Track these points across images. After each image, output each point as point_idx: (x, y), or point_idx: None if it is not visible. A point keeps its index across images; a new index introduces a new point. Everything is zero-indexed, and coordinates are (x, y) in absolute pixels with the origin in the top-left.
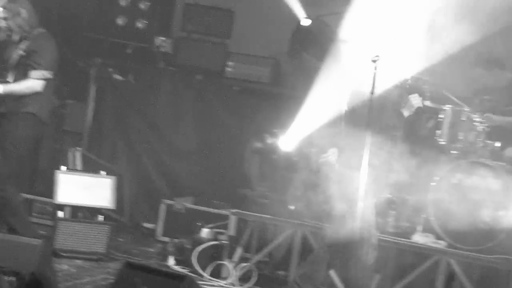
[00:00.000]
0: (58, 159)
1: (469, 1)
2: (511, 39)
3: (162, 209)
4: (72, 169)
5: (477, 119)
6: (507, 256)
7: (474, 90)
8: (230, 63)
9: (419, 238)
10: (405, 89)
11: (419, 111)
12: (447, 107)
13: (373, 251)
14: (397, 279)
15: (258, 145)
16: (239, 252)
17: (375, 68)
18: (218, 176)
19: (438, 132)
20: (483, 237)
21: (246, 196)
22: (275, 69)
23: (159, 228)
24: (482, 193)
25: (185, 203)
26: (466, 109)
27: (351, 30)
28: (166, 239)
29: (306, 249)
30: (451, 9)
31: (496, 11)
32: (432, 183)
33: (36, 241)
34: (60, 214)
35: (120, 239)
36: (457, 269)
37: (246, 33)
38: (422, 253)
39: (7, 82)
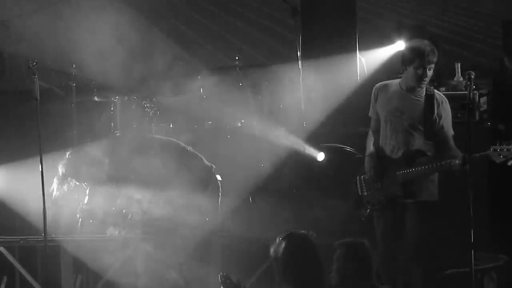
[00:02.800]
0: None
1: None
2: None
3: None
4: None
5: (147, 105)
6: None
7: (138, 79)
8: None
9: (112, 231)
10: None
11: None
12: (116, 98)
13: None
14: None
15: None
16: None
17: None
18: None
19: (112, 124)
20: None
21: None
22: None
23: None
24: None
25: None
26: (135, 97)
27: None
28: None
29: None
30: None
31: None
32: None
33: None
34: None
35: None
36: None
37: None
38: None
39: None
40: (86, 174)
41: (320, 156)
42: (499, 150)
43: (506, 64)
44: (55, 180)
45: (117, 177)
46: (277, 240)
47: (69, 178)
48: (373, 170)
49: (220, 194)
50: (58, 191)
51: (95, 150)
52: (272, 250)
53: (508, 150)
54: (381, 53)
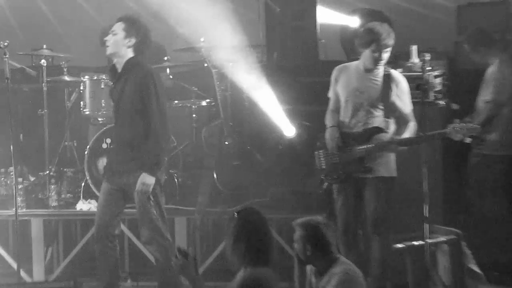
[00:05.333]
0: None
1: None
2: None
3: None
4: None
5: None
6: (167, 206)
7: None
8: None
9: (83, 206)
10: None
11: None
12: (85, 78)
13: None
14: (70, 249)
15: None
16: None
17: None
18: None
19: (81, 103)
20: None
21: None
22: None
23: None
24: None
25: None
26: (104, 77)
27: None
28: None
29: None
30: None
31: None
32: (85, 152)
33: None
34: None
35: None
36: (123, 227)
37: None
38: (88, 219)
39: None
40: None
41: (290, 132)
42: (458, 128)
43: (466, 49)
44: None
45: None
46: (231, 215)
47: None
48: (334, 141)
49: None
50: None
51: None
52: (227, 224)
53: (466, 128)
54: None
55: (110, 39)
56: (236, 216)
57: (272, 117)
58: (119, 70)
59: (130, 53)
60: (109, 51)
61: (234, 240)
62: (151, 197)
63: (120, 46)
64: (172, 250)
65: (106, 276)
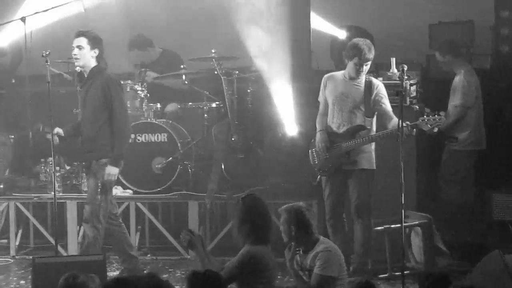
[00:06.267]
0: None
1: None
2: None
3: None
4: None
5: (139, 88)
6: (182, 192)
7: (134, 66)
8: None
9: None
10: None
11: None
12: None
13: None
14: None
15: None
16: None
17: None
18: None
19: None
20: (159, 180)
21: None
22: None
23: None
24: (152, 146)
25: None
26: (129, 82)
27: None
28: None
29: None
30: None
31: None
32: None
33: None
34: None
35: None
36: (144, 209)
37: None
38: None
39: None
40: None
41: (293, 131)
42: (427, 120)
43: (437, 58)
44: None
45: None
46: (236, 200)
47: None
48: (323, 143)
49: None
50: None
51: None
52: (233, 208)
53: (434, 119)
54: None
55: (78, 53)
56: (241, 201)
57: (279, 117)
58: (86, 75)
59: (94, 62)
60: (79, 63)
61: (240, 221)
62: (99, 184)
63: (88, 58)
64: (102, 232)
65: (120, 252)
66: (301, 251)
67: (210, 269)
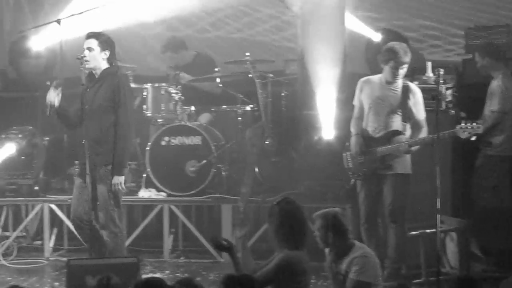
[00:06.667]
0: None
1: None
2: None
3: None
4: None
5: (173, 91)
6: (215, 195)
7: (168, 68)
8: None
9: (144, 193)
10: None
11: None
12: (148, 85)
13: None
14: (132, 230)
15: None
16: None
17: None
18: None
19: (144, 106)
20: (193, 183)
21: None
22: None
23: None
24: (186, 149)
25: None
26: (164, 84)
27: None
28: None
29: None
30: None
31: None
32: (146, 148)
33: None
34: None
35: None
36: (177, 212)
37: None
38: (148, 205)
39: None
40: None
41: (330, 134)
42: (464, 127)
43: (476, 59)
44: None
45: None
46: (272, 204)
47: None
48: (358, 147)
49: None
50: None
51: None
52: (268, 212)
53: (471, 127)
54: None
55: (88, 54)
56: (277, 205)
57: (315, 120)
58: (97, 77)
59: (105, 64)
60: (89, 65)
61: (276, 226)
62: (109, 190)
63: (99, 60)
64: (122, 236)
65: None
66: (333, 257)
67: (244, 273)
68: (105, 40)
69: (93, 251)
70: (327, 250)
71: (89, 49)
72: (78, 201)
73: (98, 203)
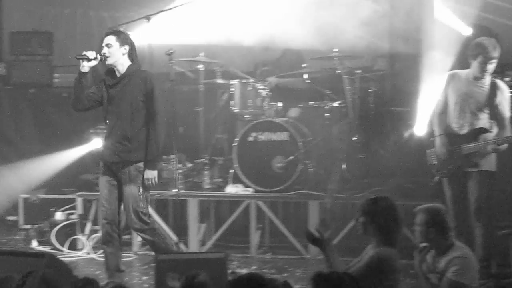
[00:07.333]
0: None
1: None
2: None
3: (20, 202)
4: None
5: (261, 87)
6: (302, 191)
7: (254, 64)
8: (56, 75)
9: (231, 189)
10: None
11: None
12: (235, 81)
13: None
14: (219, 225)
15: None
16: (89, 226)
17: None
18: (65, 168)
19: (231, 102)
20: (280, 179)
21: (88, 180)
22: None
23: (20, 218)
24: (273, 145)
25: (38, 195)
26: (251, 80)
27: None
28: (27, 226)
29: None
30: None
31: None
32: (233, 144)
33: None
34: None
35: None
36: (264, 208)
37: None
38: (235, 200)
39: None
40: None
41: (422, 131)
42: None
43: None
44: None
45: None
46: (367, 200)
47: None
48: (444, 148)
49: None
50: None
51: None
52: (361, 208)
53: None
54: None
55: (107, 51)
56: (372, 202)
57: (405, 117)
58: (119, 74)
59: (127, 60)
60: (109, 61)
61: (370, 221)
62: (140, 190)
63: (119, 55)
64: (160, 229)
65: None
66: (433, 254)
67: (335, 270)
68: (122, 35)
69: (109, 268)
70: (420, 247)
71: (108, 45)
72: (108, 201)
73: (123, 205)
